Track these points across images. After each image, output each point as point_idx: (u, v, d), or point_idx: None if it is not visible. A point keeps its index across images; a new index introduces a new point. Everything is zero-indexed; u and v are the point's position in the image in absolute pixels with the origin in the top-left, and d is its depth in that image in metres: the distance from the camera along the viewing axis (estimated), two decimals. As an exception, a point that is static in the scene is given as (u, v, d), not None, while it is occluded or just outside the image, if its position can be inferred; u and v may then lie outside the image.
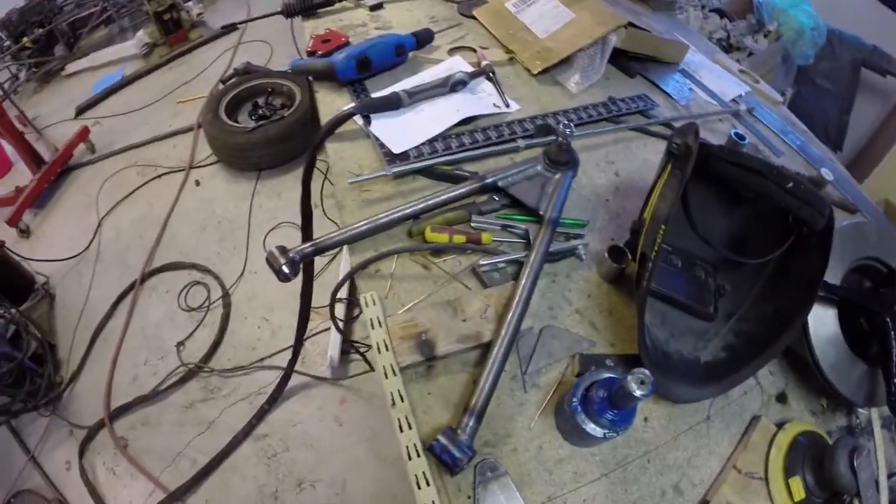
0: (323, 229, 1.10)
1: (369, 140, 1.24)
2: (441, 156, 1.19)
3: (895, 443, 1.01)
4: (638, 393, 0.65)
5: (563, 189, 1.09)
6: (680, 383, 0.90)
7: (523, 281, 0.95)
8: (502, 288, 0.97)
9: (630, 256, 1.02)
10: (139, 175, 3.26)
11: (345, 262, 2.57)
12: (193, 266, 2.75)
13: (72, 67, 4.12)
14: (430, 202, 1.06)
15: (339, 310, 2.41)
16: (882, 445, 0.96)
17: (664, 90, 1.58)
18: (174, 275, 2.75)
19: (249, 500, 2.04)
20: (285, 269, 0.94)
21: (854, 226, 1.07)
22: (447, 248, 1.03)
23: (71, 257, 2.81)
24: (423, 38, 1.49)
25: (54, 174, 3.16)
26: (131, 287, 2.68)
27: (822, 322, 0.97)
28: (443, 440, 0.76)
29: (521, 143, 1.24)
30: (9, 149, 3.19)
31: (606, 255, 1.03)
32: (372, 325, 0.91)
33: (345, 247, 1.16)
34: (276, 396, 2.20)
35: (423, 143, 1.22)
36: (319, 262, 2.54)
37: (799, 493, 0.82)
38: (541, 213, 1.07)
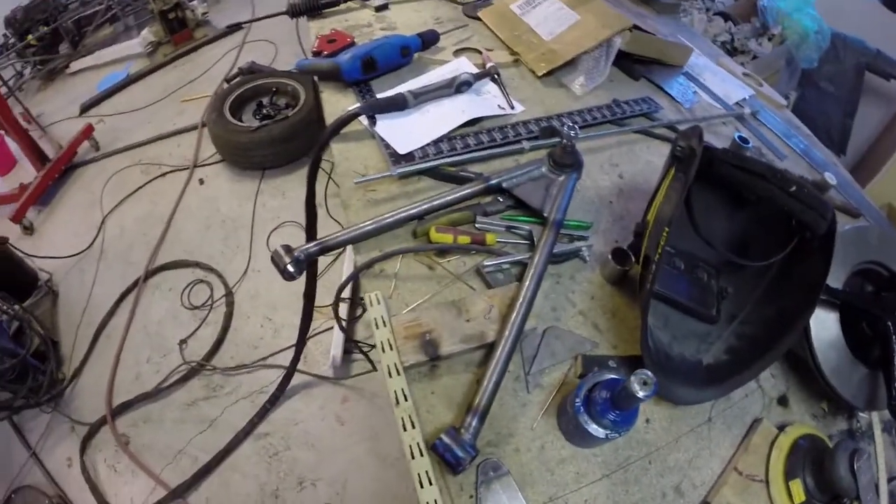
0: (326, 229, 1.11)
1: (374, 140, 1.25)
2: (446, 157, 1.20)
3: (895, 447, 1.01)
4: (641, 394, 0.65)
5: (568, 191, 1.10)
6: (682, 385, 0.90)
7: (527, 282, 0.96)
8: (506, 289, 0.98)
9: (633, 259, 1.03)
10: (143, 173, 3.27)
11: (348, 261, 2.58)
12: (197, 264, 2.76)
13: (76, 65, 4.13)
14: (434, 203, 1.07)
15: (342, 309, 2.41)
16: (882, 449, 0.96)
17: (668, 93, 1.59)
18: (177, 273, 2.76)
19: (250, 499, 2.04)
20: (290, 268, 0.94)
21: (856, 230, 1.08)
22: (452, 249, 1.04)
23: (74, 254, 2.82)
24: (428, 40, 1.50)
25: (58, 171, 3.17)
26: (134, 285, 2.69)
27: (824, 325, 0.97)
28: (446, 439, 0.77)
29: (525, 144, 1.24)
30: (13, 146, 3.20)
31: (610, 257, 1.03)
32: (376, 324, 0.91)
33: (349, 247, 1.17)
34: (278, 395, 2.21)
35: (428, 144, 1.22)
36: (322, 261, 2.55)
37: (799, 495, 0.83)
38: (545, 214, 1.08)
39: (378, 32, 1.61)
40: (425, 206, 1.06)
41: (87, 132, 3.36)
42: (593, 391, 0.77)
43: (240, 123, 3.03)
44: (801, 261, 0.97)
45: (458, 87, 1.33)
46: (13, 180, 3.10)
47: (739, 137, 1.30)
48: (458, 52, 1.57)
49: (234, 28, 4.29)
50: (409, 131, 1.24)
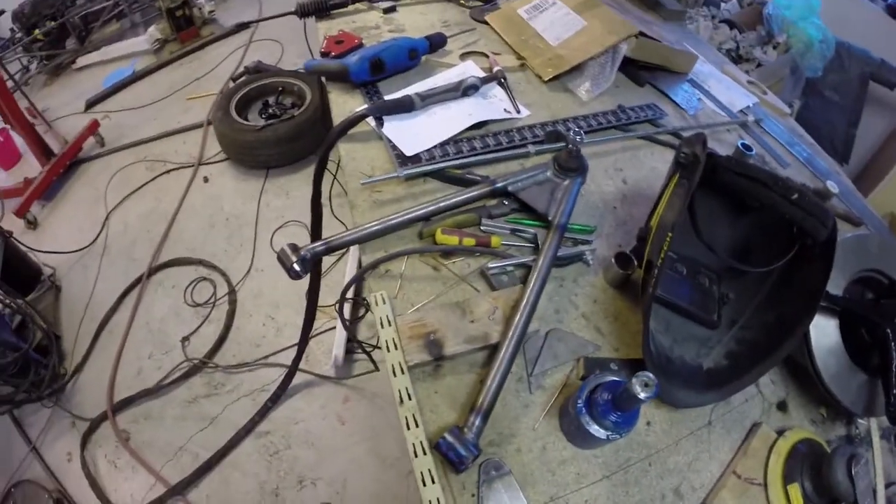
0: (330, 229, 1.12)
1: (381, 142, 1.26)
2: (452, 159, 1.21)
3: (894, 453, 1.02)
4: (642, 395, 0.66)
5: (572, 195, 1.11)
6: (682, 388, 0.91)
7: (531, 284, 0.97)
8: (510, 291, 0.99)
9: (636, 263, 1.04)
10: (148, 170, 3.28)
11: (352, 262, 2.58)
12: (200, 262, 2.77)
13: (83, 61, 4.15)
14: (440, 205, 1.08)
15: (345, 309, 2.42)
16: (880, 455, 0.97)
17: (673, 100, 1.60)
18: (180, 270, 2.77)
19: (250, 497, 2.05)
20: (296, 266, 0.95)
21: (857, 238, 1.09)
22: (457, 251, 1.05)
23: (78, 250, 2.82)
24: (436, 42, 1.51)
25: (63, 166, 3.18)
26: (137, 281, 2.69)
27: (824, 332, 0.98)
28: (449, 438, 0.77)
29: (531, 148, 1.26)
30: (18, 140, 3.20)
31: (613, 261, 1.04)
32: (381, 323, 0.92)
33: (352, 247, 1.18)
34: (280, 394, 2.21)
35: (434, 147, 1.24)
36: (326, 261, 2.56)
37: (797, 499, 0.84)
38: (549, 218, 1.09)
39: (386, 34, 1.62)
40: (431, 208, 1.07)
41: (93, 128, 3.37)
42: (595, 392, 0.78)
43: (245, 122, 3.04)
44: (802, 268, 0.98)
45: (464, 90, 1.34)
46: (18, 174, 3.10)
47: (743, 145, 1.31)
48: (465, 56, 1.58)
49: (241, 27, 4.30)
50: (415, 133, 1.25)
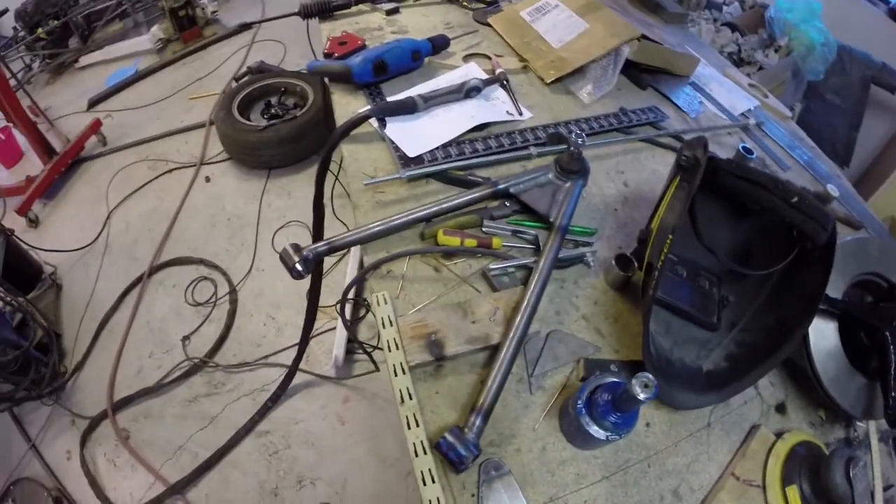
0: (332, 230, 1.13)
1: (384, 143, 1.27)
2: (454, 161, 1.21)
3: (892, 456, 1.02)
4: (641, 396, 0.67)
5: (574, 197, 1.11)
6: (682, 390, 0.92)
7: (532, 286, 0.97)
8: (511, 292, 1.00)
9: (637, 265, 1.04)
10: (150, 169, 3.29)
11: (352, 263, 2.59)
12: (201, 261, 2.78)
13: (85, 60, 4.16)
14: (442, 206, 1.08)
15: (346, 310, 2.43)
16: (879, 458, 0.97)
17: (675, 102, 1.60)
18: (182, 269, 2.78)
19: (249, 496, 2.05)
20: (299, 266, 0.95)
21: (857, 241, 1.09)
22: (458, 252, 1.06)
23: (79, 248, 2.83)
24: (438, 44, 1.52)
25: (65, 165, 3.19)
26: (138, 280, 2.70)
27: (823, 335, 0.99)
28: (450, 438, 0.78)
29: (533, 150, 1.26)
30: (20, 138, 3.21)
31: (614, 263, 1.05)
32: (383, 324, 0.93)
33: (353, 248, 1.18)
34: (280, 394, 2.21)
35: (437, 148, 1.24)
36: (327, 262, 2.57)
37: (795, 501, 0.84)
38: (551, 220, 1.09)
39: (389, 36, 1.63)
40: (433, 209, 1.08)
41: (95, 127, 3.38)
42: (595, 393, 0.79)
43: (248, 122, 3.05)
44: (802, 271, 0.98)
45: (467, 92, 1.34)
46: (20, 172, 3.11)
47: (743, 148, 1.32)
48: (467, 58, 1.59)
49: (244, 27, 4.31)
50: (418, 135, 1.26)
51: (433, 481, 0.78)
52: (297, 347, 1.95)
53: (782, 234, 1.00)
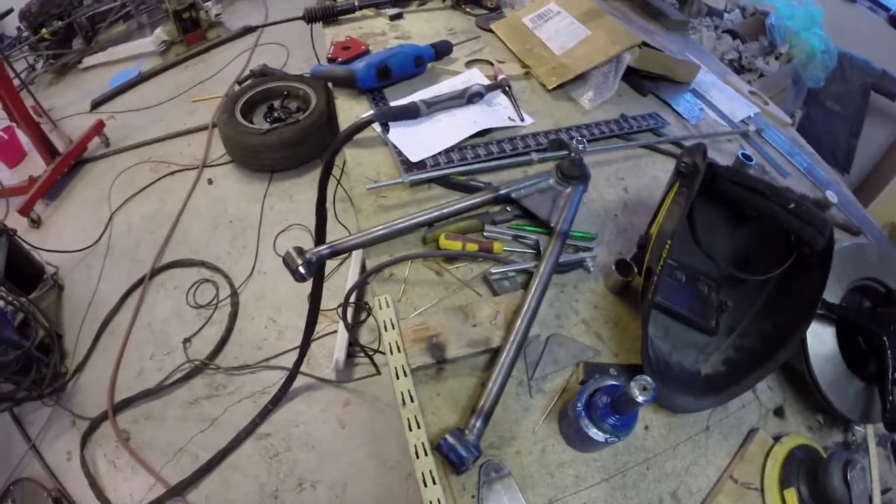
0: (334, 233, 1.14)
1: (387, 148, 1.28)
2: (456, 166, 1.22)
3: (890, 460, 1.03)
4: (640, 398, 0.67)
5: (574, 203, 1.12)
6: (680, 394, 0.93)
7: (532, 290, 0.98)
8: (512, 296, 1.00)
9: (636, 270, 1.05)
10: (152, 171, 3.30)
11: (353, 266, 2.60)
12: (203, 264, 2.78)
13: (89, 61, 4.19)
14: (444, 210, 1.10)
15: (347, 313, 2.43)
16: (877, 462, 0.98)
17: (675, 109, 1.61)
18: (183, 272, 2.78)
19: (249, 498, 2.05)
20: (301, 269, 0.96)
21: (855, 247, 1.10)
22: (460, 256, 1.07)
23: (81, 249, 2.84)
24: (441, 50, 1.53)
25: (68, 166, 3.21)
26: (140, 282, 2.71)
27: (821, 340, 0.99)
28: (450, 439, 0.78)
29: (534, 156, 1.27)
30: (23, 138, 3.22)
31: (613, 268, 1.05)
32: (385, 327, 0.94)
33: (355, 252, 1.19)
34: (281, 396, 2.22)
35: (439, 153, 1.25)
36: (328, 266, 2.57)
37: (794, 504, 0.85)
38: (551, 225, 1.10)
39: (392, 41, 1.64)
40: (435, 214, 1.09)
41: (98, 128, 3.40)
42: (594, 396, 0.80)
43: (250, 125, 3.07)
44: (800, 276, 0.99)
45: (469, 97, 1.36)
46: (22, 172, 3.13)
47: (743, 155, 1.33)
48: (470, 64, 1.60)
49: (247, 30, 4.33)
50: (420, 140, 1.27)
51: (434, 483, 0.79)
52: (298, 350, 1.95)
53: (780, 239, 1.01)
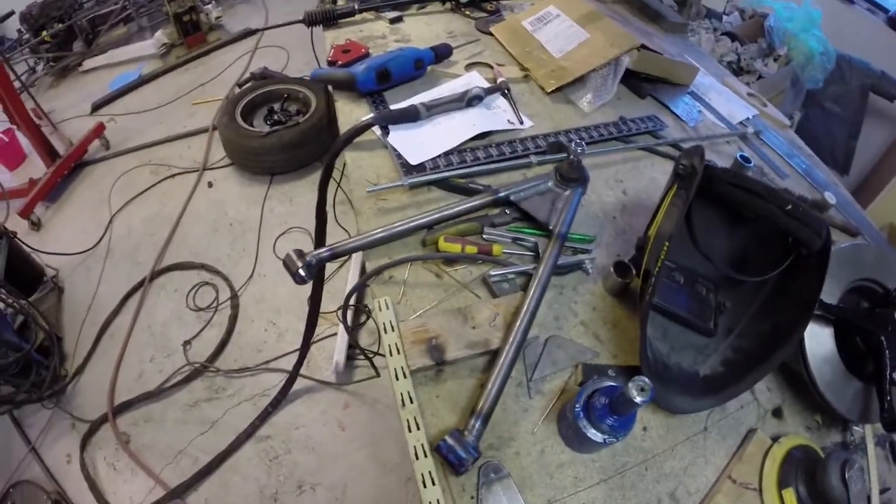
0: (333, 236, 1.14)
1: (387, 150, 1.28)
2: (456, 169, 1.23)
3: (888, 460, 1.04)
4: (638, 399, 0.68)
5: (573, 205, 1.13)
6: (678, 394, 0.93)
7: (531, 292, 0.98)
8: (511, 298, 1.01)
9: (634, 272, 1.05)
10: (152, 174, 3.31)
11: (353, 269, 2.60)
12: (203, 266, 2.79)
13: (89, 63, 4.19)
14: (444, 213, 1.10)
15: (347, 316, 2.44)
16: (875, 462, 0.98)
17: (674, 111, 1.62)
18: (183, 274, 2.79)
19: (249, 501, 2.05)
20: (302, 272, 0.96)
21: (853, 248, 1.10)
22: (459, 258, 1.07)
23: (81, 252, 2.84)
24: (441, 53, 1.54)
25: (68, 168, 3.21)
26: (140, 284, 2.71)
27: (819, 340, 1.00)
28: (450, 440, 0.79)
29: (533, 159, 1.28)
30: (24, 141, 3.23)
31: (612, 269, 1.06)
32: (385, 328, 0.94)
33: (354, 255, 1.19)
34: (281, 399, 2.22)
35: (438, 156, 1.26)
36: (328, 268, 2.57)
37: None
38: (550, 227, 1.11)
39: (392, 44, 1.65)
40: (435, 216, 1.10)
41: (98, 131, 3.40)
42: (593, 397, 0.80)
43: (251, 128, 3.07)
44: (797, 277, 0.99)
45: (469, 100, 1.36)
46: (23, 175, 3.13)
47: (741, 157, 1.33)
48: (469, 67, 1.60)
49: (248, 33, 4.34)
50: (420, 143, 1.27)
51: (433, 483, 0.79)
52: (297, 353, 1.96)
53: (778, 241, 1.01)
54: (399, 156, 1.25)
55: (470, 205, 1.13)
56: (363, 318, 2.50)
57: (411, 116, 1.27)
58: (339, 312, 1.14)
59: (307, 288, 1.31)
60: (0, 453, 2.18)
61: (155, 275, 2.76)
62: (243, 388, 2.36)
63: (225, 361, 2.44)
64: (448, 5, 1.88)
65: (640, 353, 0.90)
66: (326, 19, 1.71)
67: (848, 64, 3.02)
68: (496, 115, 1.41)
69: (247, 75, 3.82)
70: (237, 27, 4.47)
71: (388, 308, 0.97)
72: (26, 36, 4.01)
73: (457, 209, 1.12)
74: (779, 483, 0.88)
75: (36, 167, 3.17)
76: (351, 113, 1.41)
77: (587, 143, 1.29)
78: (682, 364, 1.01)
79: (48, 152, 3.12)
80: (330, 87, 1.51)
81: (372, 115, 1.22)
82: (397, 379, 0.88)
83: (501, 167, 1.27)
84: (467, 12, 1.85)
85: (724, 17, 3.37)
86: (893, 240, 2.64)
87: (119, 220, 3.06)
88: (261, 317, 2.60)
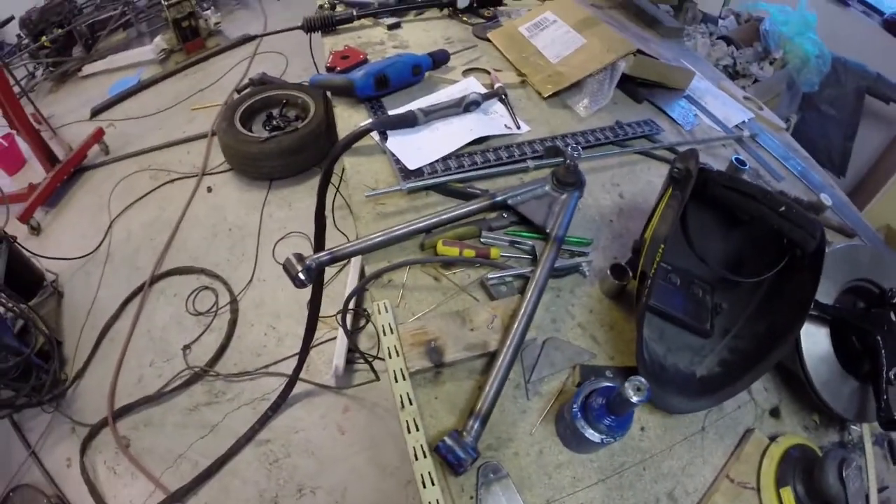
0: (332, 241, 1.15)
1: (385, 156, 1.29)
2: (454, 173, 1.24)
3: (886, 458, 1.04)
4: (634, 399, 0.69)
5: (570, 209, 1.14)
6: (675, 395, 0.94)
7: (529, 295, 0.99)
8: (509, 301, 1.02)
9: (631, 274, 1.06)
10: (152, 179, 3.32)
11: (352, 274, 2.61)
12: (202, 271, 2.79)
13: (88, 69, 4.20)
14: (442, 217, 1.11)
15: (347, 320, 2.44)
16: (873, 461, 0.99)
17: (670, 116, 1.63)
18: (183, 279, 2.79)
19: (249, 504, 2.06)
20: (301, 275, 0.97)
21: (848, 248, 1.11)
22: (457, 262, 1.08)
23: (81, 256, 2.85)
24: (438, 59, 1.55)
25: (67, 173, 3.22)
26: (140, 289, 2.72)
27: (815, 340, 1.00)
28: (449, 441, 0.80)
29: (530, 163, 1.28)
30: (23, 145, 3.23)
31: (609, 272, 1.07)
32: (384, 331, 0.95)
33: (353, 259, 1.20)
34: (280, 403, 2.23)
35: (436, 161, 1.26)
36: (327, 273, 2.58)
37: (790, 502, 0.86)
38: (547, 231, 1.11)
39: (390, 50, 1.66)
40: (433, 220, 1.10)
41: (98, 136, 3.41)
42: (590, 398, 0.81)
43: (250, 134, 3.08)
44: (792, 278, 1.00)
45: (466, 106, 1.37)
46: (22, 180, 3.14)
47: (737, 160, 1.34)
48: (467, 72, 1.62)
49: (247, 39, 4.35)
50: (418, 148, 1.28)
51: (433, 484, 0.80)
52: (297, 357, 1.96)
53: (772, 242, 1.02)
54: (397, 161, 1.25)
55: (468, 209, 1.13)
56: (362, 322, 2.51)
57: (409, 122, 1.28)
58: (339, 316, 1.15)
59: (306, 292, 1.32)
60: (0, 457, 2.17)
61: (154, 279, 2.77)
62: (243, 392, 2.36)
63: (225, 366, 2.45)
64: (445, 12, 1.89)
65: (636, 354, 0.91)
66: (325, 25, 1.72)
67: (843, 66, 3.04)
68: (493, 121, 1.42)
69: (246, 81, 3.84)
70: (236, 33, 4.49)
71: (387, 311, 0.98)
72: (26, 41, 4.01)
73: (455, 213, 1.12)
74: (777, 482, 0.88)
75: (35, 172, 3.17)
76: (349, 118, 1.42)
77: (584, 148, 1.31)
78: (679, 365, 1.02)
79: (48, 157, 3.12)
80: (328, 93, 1.52)
81: (370, 120, 1.23)
82: (396, 381, 0.89)
83: (499, 172, 1.28)
84: (465, 18, 1.87)
85: (720, 22, 3.38)
86: (890, 241, 2.65)
87: (118, 224, 3.07)
88: (260, 321, 2.61)
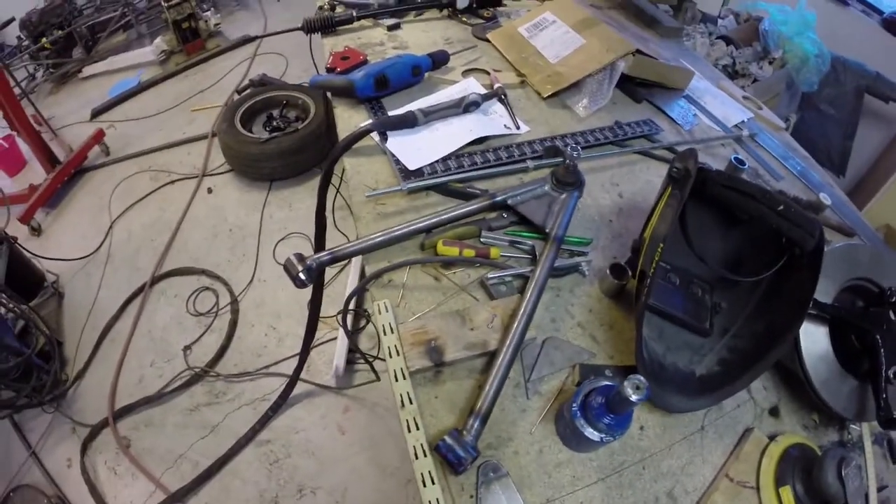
0: (332, 241, 1.15)
1: (385, 156, 1.29)
2: (454, 173, 1.24)
3: (886, 457, 1.04)
4: (633, 397, 0.69)
5: (569, 209, 1.14)
6: (675, 394, 0.94)
7: (528, 294, 0.99)
8: (509, 300, 1.02)
9: (630, 274, 1.07)
10: (152, 180, 3.32)
11: (353, 274, 2.61)
12: (203, 272, 2.79)
13: (89, 70, 4.20)
14: (442, 217, 1.11)
15: (347, 320, 2.44)
16: (872, 460, 0.99)
17: (669, 115, 1.63)
18: (183, 280, 2.80)
19: (250, 504, 2.06)
20: (302, 275, 0.97)
21: (847, 247, 1.11)
22: (457, 262, 1.08)
23: (81, 257, 2.85)
24: (438, 60, 1.55)
25: (68, 174, 3.22)
26: (140, 290, 2.72)
27: (814, 339, 1.01)
28: (449, 440, 0.80)
29: (529, 163, 1.29)
30: (24, 147, 3.23)
31: (608, 271, 1.07)
32: (384, 331, 0.95)
33: (353, 260, 1.20)
34: (281, 403, 2.23)
35: (436, 161, 1.27)
36: (327, 273, 2.58)
37: (789, 501, 0.86)
38: (547, 230, 1.12)
39: (390, 51, 1.66)
40: (433, 221, 1.10)
41: (98, 137, 3.41)
42: (589, 396, 0.81)
43: (250, 134, 3.09)
44: (791, 277, 1.00)
45: (466, 106, 1.38)
46: (23, 181, 3.13)
47: (736, 159, 1.34)
48: (466, 73, 1.62)
49: (247, 40, 4.36)
50: (418, 148, 1.28)
51: (433, 483, 0.80)
52: (297, 357, 1.96)
53: (771, 241, 1.02)
54: (397, 161, 1.26)
55: (468, 209, 1.14)
56: (363, 322, 2.51)
57: (409, 122, 1.29)
58: (339, 316, 1.15)
59: (307, 292, 1.32)
60: (0, 457, 2.18)
61: (155, 280, 2.77)
62: (243, 392, 2.36)
63: (225, 366, 2.45)
64: (445, 12, 1.90)
65: (636, 353, 0.91)
66: (325, 26, 1.72)
67: (843, 66, 3.04)
68: (493, 121, 1.42)
69: (246, 82, 3.84)
70: (236, 34, 4.49)
71: (387, 311, 0.98)
72: (26, 42, 4.01)
73: (455, 213, 1.12)
74: (776, 481, 0.89)
75: (36, 173, 3.17)
76: (350, 119, 1.42)
77: (583, 148, 1.31)
78: (679, 364, 1.02)
79: (48, 158, 3.12)
80: (329, 94, 1.52)
81: (370, 121, 1.23)
82: (397, 380, 0.89)
83: (498, 172, 1.28)
84: (464, 19, 1.87)
85: (719, 21, 3.38)
86: (889, 240, 2.66)
87: (119, 225, 3.07)
88: (261, 321, 2.61)
